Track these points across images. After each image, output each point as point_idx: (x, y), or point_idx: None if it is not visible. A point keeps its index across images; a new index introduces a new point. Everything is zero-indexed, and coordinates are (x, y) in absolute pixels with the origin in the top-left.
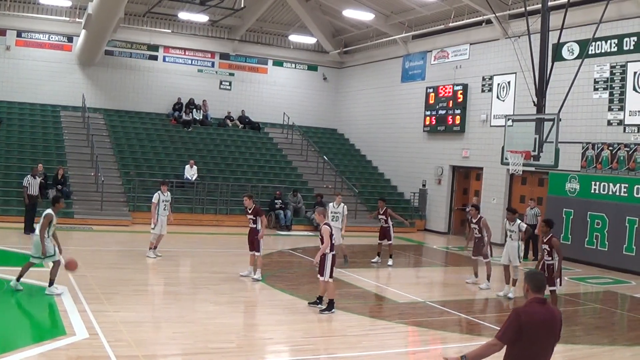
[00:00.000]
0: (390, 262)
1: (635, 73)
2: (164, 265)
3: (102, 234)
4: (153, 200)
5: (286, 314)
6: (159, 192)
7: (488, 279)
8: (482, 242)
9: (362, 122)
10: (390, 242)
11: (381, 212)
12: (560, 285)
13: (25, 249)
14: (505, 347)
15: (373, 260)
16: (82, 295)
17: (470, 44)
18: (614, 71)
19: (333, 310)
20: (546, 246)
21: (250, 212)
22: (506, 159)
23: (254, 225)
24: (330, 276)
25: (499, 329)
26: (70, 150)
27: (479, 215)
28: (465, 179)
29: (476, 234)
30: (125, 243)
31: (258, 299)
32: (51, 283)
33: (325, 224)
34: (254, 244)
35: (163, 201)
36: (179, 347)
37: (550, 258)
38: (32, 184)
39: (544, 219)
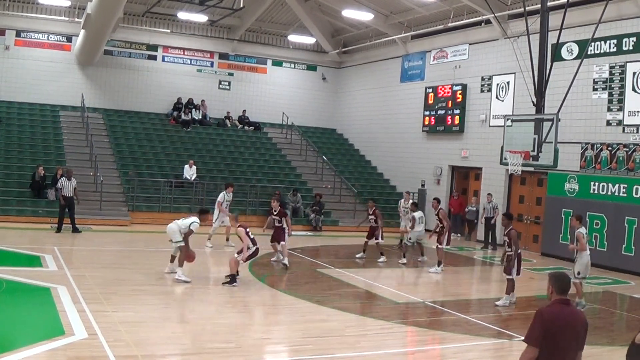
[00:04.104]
0: (381, 259)
1: (634, 73)
2: (162, 266)
3: (101, 234)
4: (218, 200)
5: (284, 314)
6: (224, 192)
7: (439, 264)
8: (442, 232)
9: (361, 122)
10: (377, 241)
11: (370, 212)
12: (518, 274)
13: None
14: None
15: (357, 256)
16: (81, 295)
17: (470, 44)
18: (613, 71)
19: (235, 283)
20: (506, 238)
21: (275, 213)
22: (505, 159)
23: (279, 224)
24: (245, 261)
25: (497, 329)
26: (70, 150)
27: (439, 208)
28: (464, 179)
29: (438, 224)
30: (124, 243)
31: (256, 299)
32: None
33: (240, 226)
34: (279, 237)
35: (226, 201)
36: (177, 347)
37: (510, 249)
38: (66, 186)
39: (504, 212)
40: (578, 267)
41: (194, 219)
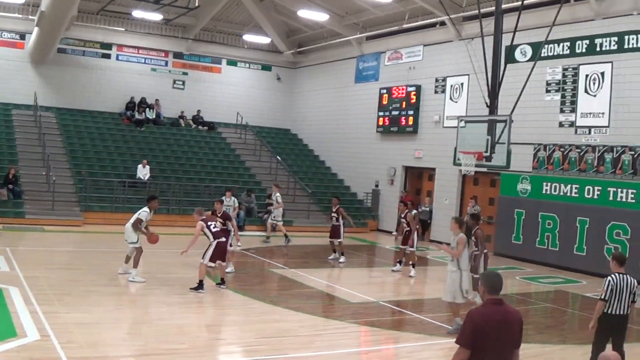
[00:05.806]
0: (342, 259)
1: (587, 75)
2: (115, 267)
3: (53, 234)
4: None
5: (238, 315)
6: (224, 197)
7: (413, 266)
8: (410, 234)
9: (315, 123)
10: (340, 240)
11: (333, 210)
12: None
13: None
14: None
15: (330, 258)
16: (33, 296)
17: (424, 46)
18: (566, 73)
19: (201, 290)
20: (473, 238)
21: (219, 216)
22: (458, 159)
23: (224, 227)
24: (211, 260)
25: (450, 327)
26: (22, 150)
27: (406, 211)
28: (418, 179)
29: (405, 227)
30: (77, 243)
31: (210, 300)
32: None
33: (202, 219)
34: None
35: (226, 206)
36: (131, 349)
37: (476, 249)
38: None
39: (471, 213)
40: (465, 284)
41: (144, 208)
